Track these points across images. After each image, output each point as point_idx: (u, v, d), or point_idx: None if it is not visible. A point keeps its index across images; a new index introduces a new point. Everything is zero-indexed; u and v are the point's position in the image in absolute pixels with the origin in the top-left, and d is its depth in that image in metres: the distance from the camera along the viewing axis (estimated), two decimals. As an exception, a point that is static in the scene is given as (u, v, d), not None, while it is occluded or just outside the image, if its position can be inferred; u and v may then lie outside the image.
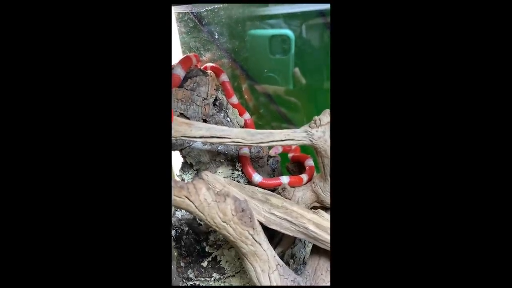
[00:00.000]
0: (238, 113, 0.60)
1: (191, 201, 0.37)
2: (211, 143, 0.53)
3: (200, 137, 0.42)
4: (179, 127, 0.42)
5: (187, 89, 0.51)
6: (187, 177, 0.57)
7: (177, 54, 0.71)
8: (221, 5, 0.65)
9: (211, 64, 0.57)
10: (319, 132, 0.45)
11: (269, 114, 0.78)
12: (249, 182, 0.55)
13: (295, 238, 0.62)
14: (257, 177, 0.53)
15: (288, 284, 0.45)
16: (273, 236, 0.55)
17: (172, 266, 0.79)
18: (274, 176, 0.61)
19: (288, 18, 0.69)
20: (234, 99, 0.59)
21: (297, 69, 0.73)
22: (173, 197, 0.36)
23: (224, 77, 0.57)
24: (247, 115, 0.61)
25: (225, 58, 0.68)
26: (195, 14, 0.67)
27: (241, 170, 0.56)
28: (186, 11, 0.67)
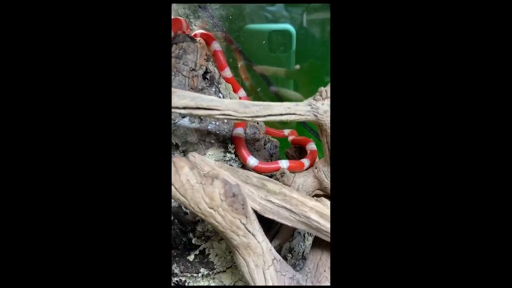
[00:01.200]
0: (231, 89, 0.53)
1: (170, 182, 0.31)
2: (201, 120, 0.47)
3: (184, 108, 0.35)
4: (159, 95, 0.35)
5: (171, 56, 0.44)
6: (173, 160, 0.50)
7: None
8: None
9: (201, 31, 0.50)
10: (324, 105, 0.39)
11: (266, 97, 0.72)
12: (243, 166, 0.49)
13: (294, 230, 0.56)
14: (252, 160, 0.47)
15: (286, 282, 0.39)
16: (270, 228, 0.49)
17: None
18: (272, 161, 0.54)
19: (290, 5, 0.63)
20: (228, 72, 0.52)
21: (298, 66, 0.69)
22: (146, 176, 0.29)
23: (216, 46, 0.50)
24: (242, 92, 0.54)
25: (218, 29, 0.61)
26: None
27: (234, 153, 0.49)
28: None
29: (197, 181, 0.33)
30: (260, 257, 0.38)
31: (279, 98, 0.72)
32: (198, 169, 0.34)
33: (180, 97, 0.35)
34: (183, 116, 0.46)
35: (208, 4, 0.59)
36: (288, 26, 0.64)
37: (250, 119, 0.37)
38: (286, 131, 0.63)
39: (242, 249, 0.37)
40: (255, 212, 0.39)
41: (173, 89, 0.36)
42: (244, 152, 0.47)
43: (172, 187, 0.32)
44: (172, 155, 0.50)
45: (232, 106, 0.37)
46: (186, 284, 0.50)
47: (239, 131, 0.48)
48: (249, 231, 0.37)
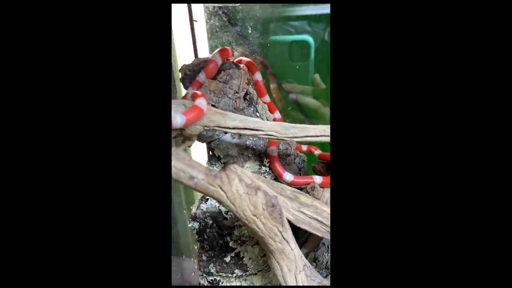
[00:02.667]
0: (267, 108, 0.59)
1: (223, 191, 0.37)
2: (241, 136, 0.53)
3: (234, 128, 0.42)
4: (213, 117, 0.42)
5: (220, 81, 0.51)
6: (214, 170, 0.56)
7: (204, 51, 0.71)
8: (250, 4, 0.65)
9: (246, 59, 0.57)
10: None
11: (295, 115, 0.77)
12: (276, 178, 0.54)
13: (320, 241, 0.60)
14: (288, 176, 0.52)
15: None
16: (297, 237, 0.54)
17: (192, 260, 0.78)
18: (300, 175, 0.59)
19: (314, 20, 0.68)
20: (267, 98, 0.58)
21: (317, 75, 0.72)
22: (206, 185, 0.35)
23: (258, 76, 0.56)
24: (277, 114, 0.60)
25: (256, 55, 0.68)
26: (224, 11, 0.67)
27: (269, 166, 0.55)
28: (217, 7, 0.67)
29: (244, 191, 0.38)
30: (292, 262, 0.42)
31: (298, 105, 0.76)
32: (243, 180, 0.40)
33: (232, 119, 0.41)
34: (225, 132, 0.52)
35: (248, 33, 0.66)
36: (307, 37, 0.68)
37: (289, 139, 0.43)
38: (304, 147, 0.66)
39: (277, 254, 0.42)
40: (289, 221, 0.44)
41: (225, 112, 0.42)
42: (280, 168, 0.52)
43: (224, 195, 0.37)
44: (213, 166, 0.56)
45: (275, 127, 0.42)
46: (220, 283, 0.55)
47: (273, 149, 0.54)
48: (284, 238, 0.41)
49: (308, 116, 0.76)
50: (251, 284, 0.55)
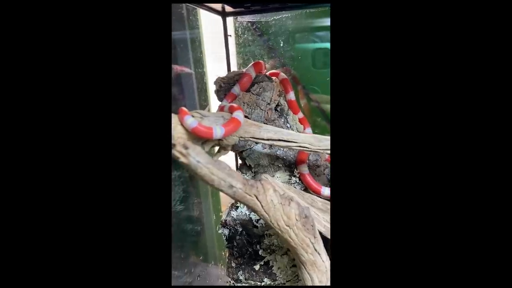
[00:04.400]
0: (297, 119, 0.60)
1: (259, 200, 0.38)
2: (271, 146, 0.54)
3: (268, 140, 0.43)
4: (249, 128, 0.44)
5: (253, 94, 0.53)
6: (244, 179, 0.58)
7: (233, 63, 0.74)
8: (284, 16, 0.68)
9: (284, 76, 0.59)
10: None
11: (318, 122, 0.77)
12: (306, 189, 0.55)
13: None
14: (326, 191, 0.52)
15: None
16: (327, 249, 0.53)
17: (220, 266, 0.80)
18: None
19: None
20: (300, 115, 0.60)
21: None
22: (243, 194, 0.37)
23: (292, 96, 0.58)
24: (309, 130, 0.60)
25: (286, 67, 0.70)
26: (255, 27, 0.70)
27: (298, 177, 0.55)
28: (249, 22, 0.71)
29: (278, 201, 0.39)
30: (324, 274, 0.42)
31: (322, 111, 0.76)
32: (278, 191, 0.41)
33: (267, 131, 0.43)
34: (257, 142, 0.54)
35: (278, 46, 0.68)
36: (329, 45, 0.69)
37: (322, 151, 0.44)
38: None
39: (309, 265, 0.42)
40: (320, 233, 0.44)
41: (260, 124, 0.44)
42: (315, 185, 0.53)
43: (259, 204, 0.39)
44: (244, 174, 0.58)
45: (308, 139, 0.43)
46: (249, 291, 0.56)
47: (304, 167, 0.54)
48: (316, 250, 0.42)
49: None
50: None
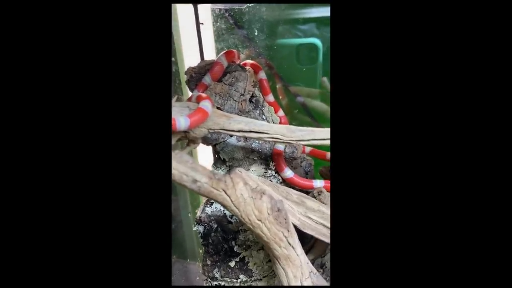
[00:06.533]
0: (273, 111, 0.59)
1: (227, 195, 0.36)
2: (246, 139, 0.52)
3: (239, 131, 0.41)
4: (218, 119, 0.41)
5: (225, 84, 0.51)
6: (219, 173, 0.56)
7: (211, 53, 0.71)
8: (257, 5, 0.65)
9: (251, 61, 0.57)
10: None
11: (302, 117, 0.76)
12: (280, 177, 0.53)
13: (327, 246, 0.59)
14: (288, 172, 0.51)
15: (322, 295, 0.42)
16: (303, 243, 0.52)
17: (197, 264, 0.78)
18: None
19: (322, 23, 0.67)
20: (271, 97, 0.58)
21: (325, 78, 0.71)
22: (210, 189, 0.35)
23: (262, 75, 0.56)
24: (281, 112, 0.59)
25: (262, 57, 0.68)
26: (230, 14, 0.67)
27: (274, 170, 0.54)
28: (223, 9, 0.68)
29: (249, 195, 0.38)
30: (298, 268, 0.41)
31: (306, 108, 0.75)
32: (248, 184, 0.39)
33: (237, 122, 0.41)
34: (231, 135, 0.52)
35: (254, 35, 0.66)
36: (315, 40, 0.67)
37: (295, 142, 0.42)
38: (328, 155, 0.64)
39: (283, 260, 0.41)
40: (294, 226, 0.43)
41: (230, 115, 0.42)
42: (282, 164, 0.52)
43: (228, 199, 0.37)
44: (219, 169, 0.56)
45: (280, 130, 0.42)
46: (225, 288, 0.54)
47: (280, 145, 0.53)
48: (289, 244, 0.40)
49: (316, 120, 0.75)
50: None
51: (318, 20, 0.67)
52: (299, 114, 0.75)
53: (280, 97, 0.74)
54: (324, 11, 0.67)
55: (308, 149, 0.63)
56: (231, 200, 0.36)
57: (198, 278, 0.72)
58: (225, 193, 0.36)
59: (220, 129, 0.41)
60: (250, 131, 0.41)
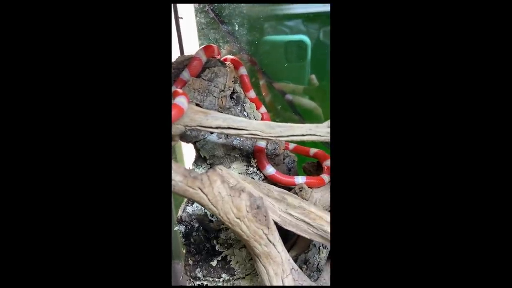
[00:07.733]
0: (255, 107, 0.58)
1: (204, 193, 0.35)
2: (227, 136, 0.51)
3: (217, 128, 0.40)
4: (195, 116, 0.40)
5: (204, 79, 0.49)
6: (200, 171, 0.54)
7: (194, 46, 0.70)
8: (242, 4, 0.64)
9: (231, 57, 0.56)
10: (343, 128, 0.42)
11: (286, 114, 0.76)
12: (264, 179, 0.53)
13: (310, 242, 0.59)
14: (270, 169, 0.51)
15: (303, 291, 0.42)
16: (287, 239, 0.52)
17: (180, 264, 0.77)
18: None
19: (309, 19, 0.66)
20: (252, 94, 0.57)
21: (313, 76, 0.71)
22: (185, 187, 0.34)
23: (243, 71, 0.55)
24: (263, 109, 0.59)
25: (244, 52, 0.67)
26: (213, 9, 0.66)
27: (256, 167, 0.53)
28: (204, 4, 0.66)
29: (227, 193, 0.37)
30: (279, 266, 0.41)
31: (293, 106, 0.75)
32: (227, 182, 0.38)
33: (214, 118, 0.40)
34: (212, 132, 0.51)
35: (235, 30, 0.65)
36: (303, 37, 0.66)
37: (274, 138, 0.41)
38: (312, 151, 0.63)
39: (263, 258, 0.40)
40: (276, 223, 0.43)
41: (207, 111, 0.41)
42: (264, 161, 0.51)
43: (205, 197, 0.36)
44: (200, 167, 0.55)
45: (259, 127, 0.41)
46: (208, 288, 0.53)
47: (262, 142, 0.52)
48: (270, 241, 0.40)
49: (303, 117, 0.75)
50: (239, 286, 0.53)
51: (302, 16, 0.67)
52: (282, 111, 0.74)
53: (264, 94, 0.74)
54: (310, 7, 0.66)
55: (292, 145, 0.63)
56: (208, 199, 0.36)
57: (181, 278, 0.71)
58: (202, 191, 0.35)
59: (197, 126, 0.40)
60: (229, 128, 0.40)
